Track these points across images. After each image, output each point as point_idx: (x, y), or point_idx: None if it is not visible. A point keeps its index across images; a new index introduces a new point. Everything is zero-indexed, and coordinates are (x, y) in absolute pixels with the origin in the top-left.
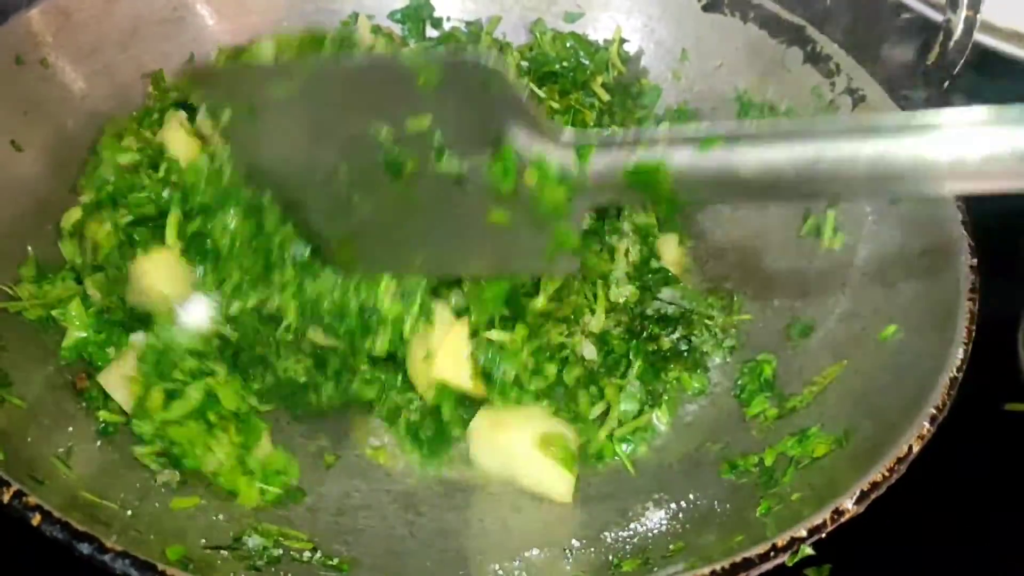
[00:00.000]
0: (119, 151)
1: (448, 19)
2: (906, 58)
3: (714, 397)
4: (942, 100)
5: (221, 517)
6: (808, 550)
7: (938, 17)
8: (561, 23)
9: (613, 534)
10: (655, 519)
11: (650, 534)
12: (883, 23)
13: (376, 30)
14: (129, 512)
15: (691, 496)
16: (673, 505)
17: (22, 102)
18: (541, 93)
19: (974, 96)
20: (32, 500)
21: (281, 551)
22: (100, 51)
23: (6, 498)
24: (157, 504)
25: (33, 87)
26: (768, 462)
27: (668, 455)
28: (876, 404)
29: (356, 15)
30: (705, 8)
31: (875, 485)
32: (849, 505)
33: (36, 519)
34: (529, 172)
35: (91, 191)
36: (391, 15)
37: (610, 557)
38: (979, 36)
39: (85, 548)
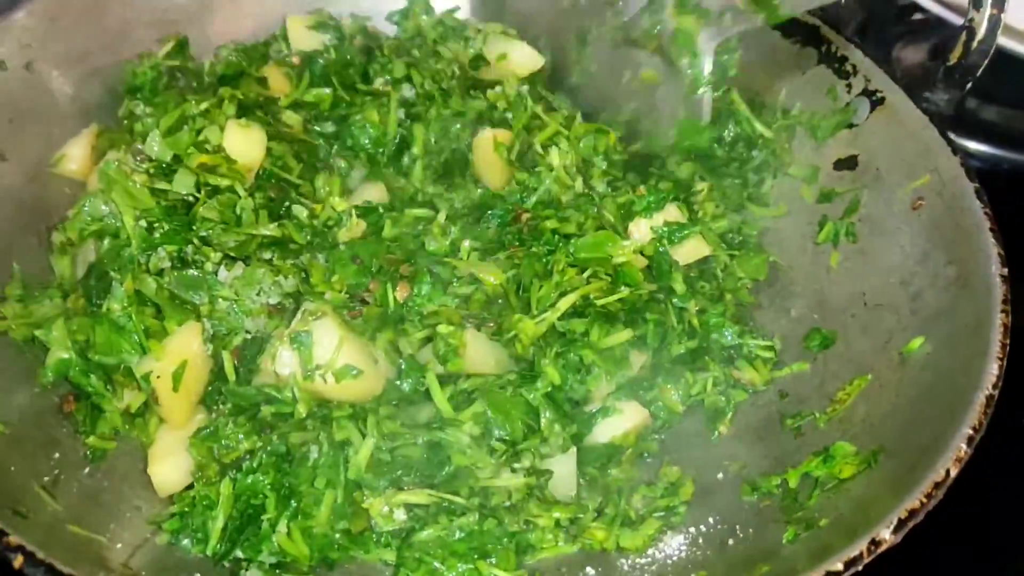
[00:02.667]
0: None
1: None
2: (919, 58)
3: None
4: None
5: None
6: None
7: (952, 17)
8: None
9: (629, 561)
10: (673, 545)
11: (669, 561)
12: (897, 23)
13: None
14: (119, 545)
15: (711, 520)
16: (692, 529)
17: (6, 109)
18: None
19: (990, 99)
20: (14, 540)
21: None
22: (88, 56)
23: None
24: (147, 536)
25: (18, 93)
26: (792, 484)
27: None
28: (905, 422)
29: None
30: None
31: (913, 513)
32: (887, 535)
33: (18, 561)
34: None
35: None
36: (389, 16)
37: None
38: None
39: None
